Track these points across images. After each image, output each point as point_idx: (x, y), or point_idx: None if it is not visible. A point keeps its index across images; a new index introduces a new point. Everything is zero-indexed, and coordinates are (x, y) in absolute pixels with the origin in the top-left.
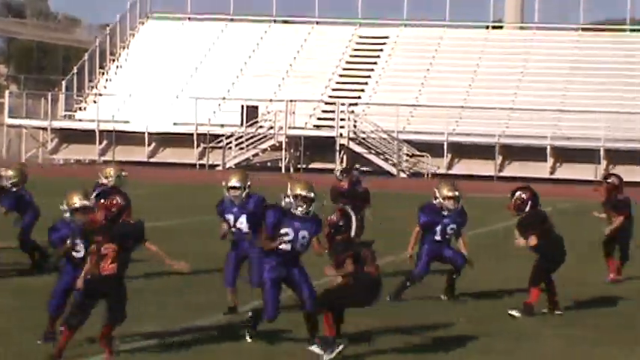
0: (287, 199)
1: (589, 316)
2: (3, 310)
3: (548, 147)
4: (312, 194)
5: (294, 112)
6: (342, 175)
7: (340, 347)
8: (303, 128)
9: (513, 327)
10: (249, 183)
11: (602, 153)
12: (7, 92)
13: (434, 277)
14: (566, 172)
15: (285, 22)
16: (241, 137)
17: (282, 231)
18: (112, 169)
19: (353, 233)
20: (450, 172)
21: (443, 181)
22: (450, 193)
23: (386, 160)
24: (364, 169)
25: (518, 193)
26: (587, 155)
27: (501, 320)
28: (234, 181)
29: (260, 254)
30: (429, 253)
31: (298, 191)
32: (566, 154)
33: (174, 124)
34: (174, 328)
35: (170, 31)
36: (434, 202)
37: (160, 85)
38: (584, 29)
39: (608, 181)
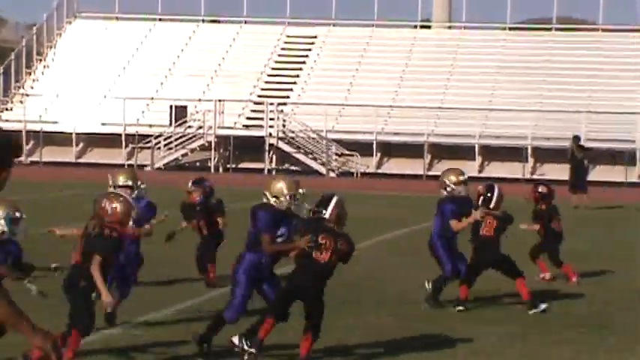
0: (282, 199)
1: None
2: None
3: (477, 145)
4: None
5: (223, 112)
6: (192, 186)
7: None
8: (232, 128)
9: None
10: (139, 182)
11: (529, 151)
12: None
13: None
14: (494, 170)
15: (214, 21)
16: (170, 137)
17: (279, 232)
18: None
19: (329, 216)
20: (380, 171)
21: (447, 169)
22: (461, 178)
23: (315, 159)
24: (293, 168)
25: (480, 187)
26: (514, 153)
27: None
28: (123, 179)
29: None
30: (447, 247)
31: (293, 191)
32: (494, 153)
33: (103, 124)
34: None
35: (98, 31)
36: (444, 193)
37: (88, 85)
38: (511, 28)
39: (538, 190)
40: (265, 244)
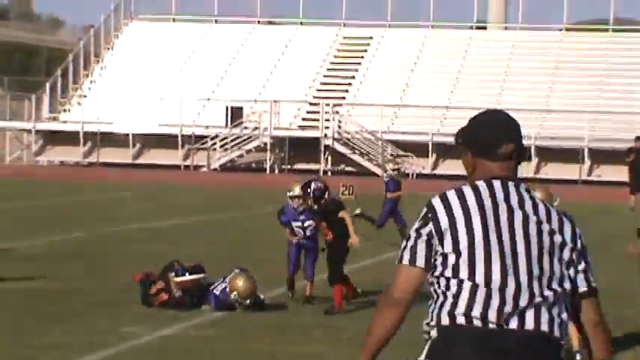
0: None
1: None
2: None
3: (533, 147)
4: None
5: (278, 113)
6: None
7: None
8: (287, 129)
9: None
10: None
11: (586, 152)
12: None
13: None
14: (551, 171)
15: (270, 22)
16: (226, 138)
17: None
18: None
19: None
20: (435, 172)
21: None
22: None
23: (370, 160)
24: (349, 169)
25: None
26: (571, 154)
27: None
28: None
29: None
30: None
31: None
32: (550, 154)
33: (159, 125)
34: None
35: (154, 33)
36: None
37: (145, 87)
38: (567, 29)
39: None
40: None
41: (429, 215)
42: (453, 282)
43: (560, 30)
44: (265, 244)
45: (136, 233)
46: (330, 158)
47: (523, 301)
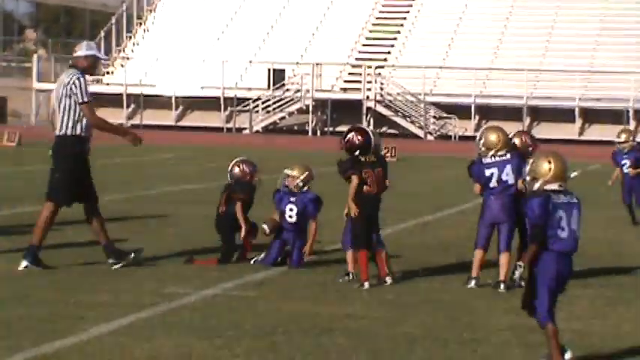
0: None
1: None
2: None
3: (577, 108)
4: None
5: (320, 75)
6: None
7: None
8: (329, 91)
9: None
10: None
11: (630, 114)
12: (35, 56)
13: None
14: (594, 133)
15: None
16: (268, 100)
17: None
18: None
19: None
20: (478, 134)
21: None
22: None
23: (413, 122)
24: (391, 131)
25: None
26: (615, 116)
27: None
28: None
29: None
30: None
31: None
32: (594, 115)
33: (201, 87)
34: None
35: None
36: None
37: (187, 49)
38: None
39: None
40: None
41: None
42: None
43: None
44: None
45: (177, 195)
46: (372, 120)
47: None
